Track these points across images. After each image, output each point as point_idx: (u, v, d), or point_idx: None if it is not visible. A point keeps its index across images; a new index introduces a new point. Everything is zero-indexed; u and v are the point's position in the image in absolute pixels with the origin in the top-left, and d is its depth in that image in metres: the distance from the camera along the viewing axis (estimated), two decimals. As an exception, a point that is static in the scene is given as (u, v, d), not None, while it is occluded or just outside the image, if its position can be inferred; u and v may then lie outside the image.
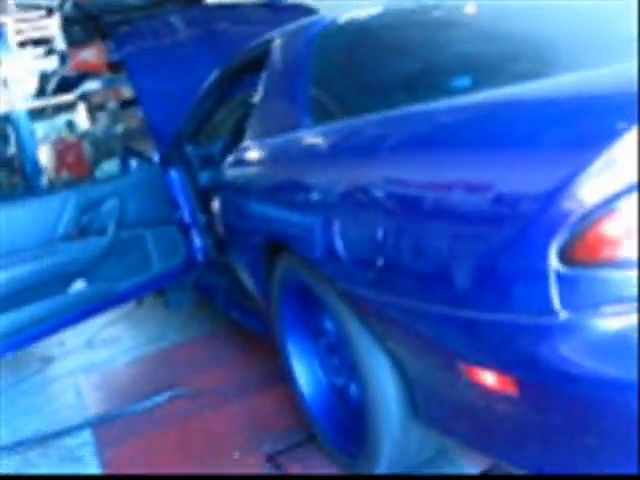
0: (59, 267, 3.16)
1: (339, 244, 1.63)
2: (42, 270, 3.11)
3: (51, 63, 8.39)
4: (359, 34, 2.23)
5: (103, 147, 8.89)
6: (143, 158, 3.64)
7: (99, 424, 2.85)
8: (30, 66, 9.19)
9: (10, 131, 13.55)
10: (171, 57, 4.42)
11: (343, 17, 2.30)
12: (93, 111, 17.57)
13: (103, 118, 16.53)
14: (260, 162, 2.24)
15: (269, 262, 2.19)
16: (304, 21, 2.51)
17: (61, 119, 14.96)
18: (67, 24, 8.16)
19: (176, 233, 3.65)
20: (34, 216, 3.15)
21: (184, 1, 8.03)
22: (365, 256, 1.54)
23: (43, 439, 2.81)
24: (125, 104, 18.44)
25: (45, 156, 13.45)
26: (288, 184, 1.96)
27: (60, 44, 8.56)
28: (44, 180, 8.51)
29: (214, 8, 5.60)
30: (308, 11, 5.03)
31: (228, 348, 3.34)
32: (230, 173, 2.50)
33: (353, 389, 2.00)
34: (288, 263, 2.05)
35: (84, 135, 12.16)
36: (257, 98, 2.44)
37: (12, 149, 13.13)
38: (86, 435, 2.79)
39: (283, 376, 2.37)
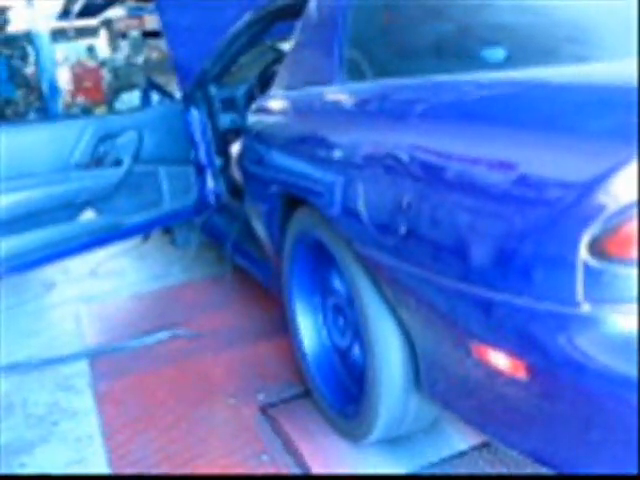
0: (70, 195, 3.14)
1: (360, 206, 1.60)
2: (53, 196, 3.09)
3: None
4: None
5: (123, 77, 8.77)
6: (165, 93, 3.59)
7: (96, 355, 2.86)
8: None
9: (30, 50, 13.44)
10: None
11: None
12: (114, 39, 17.42)
13: (124, 46, 16.39)
14: (286, 113, 2.19)
15: (285, 214, 2.17)
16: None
17: (82, 43, 14.80)
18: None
19: (191, 173, 3.62)
20: (51, 141, 3.12)
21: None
22: (386, 221, 1.51)
23: (39, 364, 2.83)
24: (147, 34, 18.27)
25: (63, 79, 13.36)
26: (313, 139, 1.91)
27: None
28: (60, 102, 8.41)
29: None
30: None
31: (232, 293, 3.33)
32: (254, 119, 2.45)
33: (356, 351, 2.00)
34: (304, 217, 2.02)
35: (104, 62, 12.03)
36: (290, 47, 2.38)
37: (31, 68, 13.04)
38: (82, 365, 2.80)
39: (284, 328, 2.38)
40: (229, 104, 3.62)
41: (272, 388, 2.44)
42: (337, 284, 2.03)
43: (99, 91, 13.20)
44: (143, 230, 3.54)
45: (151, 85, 3.61)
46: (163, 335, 2.93)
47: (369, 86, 1.86)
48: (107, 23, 16.66)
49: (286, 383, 2.45)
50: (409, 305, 1.57)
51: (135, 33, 17.20)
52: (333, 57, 2.03)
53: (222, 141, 3.64)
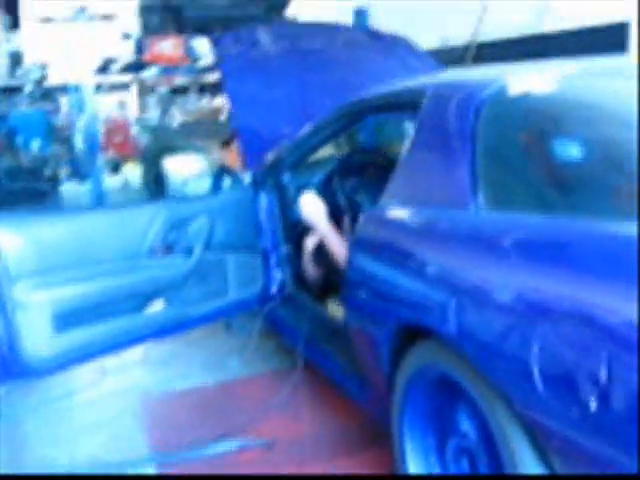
0: (140, 284, 3.00)
1: (531, 366, 1.43)
2: (123, 285, 2.94)
3: (124, 47, 8.25)
4: (540, 108, 2.04)
5: (162, 138, 8.72)
6: (236, 178, 3.47)
7: (163, 463, 2.66)
8: (98, 42, 9.10)
9: (63, 102, 13.51)
10: (263, 67, 4.32)
11: (517, 83, 2.09)
12: (143, 94, 17.59)
13: (153, 101, 16.53)
14: (412, 233, 2.03)
15: (400, 344, 2.00)
16: (463, 77, 2.33)
17: (112, 98, 14.90)
18: (146, 11, 8.06)
19: (258, 261, 3.47)
20: (122, 227, 2.99)
21: (266, 4, 7.91)
22: (568, 391, 1.35)
23: (104, 469, 2.63)
24: (176, 91, 18.46)
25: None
26: (453, 271, 1.75)
27: (134, 28, 8.46)
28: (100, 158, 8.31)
29: (309, 25, 5.46)
30: (410, 47, 4.90)
31: (299, 393, 3.12)
32: (367, 232, 2.28)
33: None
34: (428, 352, 1.86)
35: (138, 122, 12.00)
36: (405, 150, 2.25)
37: (62, 120, 13.08)
38: (150, 473, 2.60)
39: (362, 441, 2.16)
40: (302, 192, 3.49)
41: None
42: (465, 425, 1.85)
43: (128, 145, 13.23)
44: (209, 321, 3.37)
45: (223, 170, 3.49)
46: (233, 444, 2.73)
47: (516, 219, 1.71)
48: (137, 80, 16.81)
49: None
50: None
51: (163, 89, 17.39)
52: (464, 177, 1.90)
53: (293, 230, 3.50)
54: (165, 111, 15.61)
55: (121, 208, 3.13)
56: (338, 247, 2.88)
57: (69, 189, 9.54)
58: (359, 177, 3.48)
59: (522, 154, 1.95)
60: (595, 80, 2.17)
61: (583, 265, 1.43)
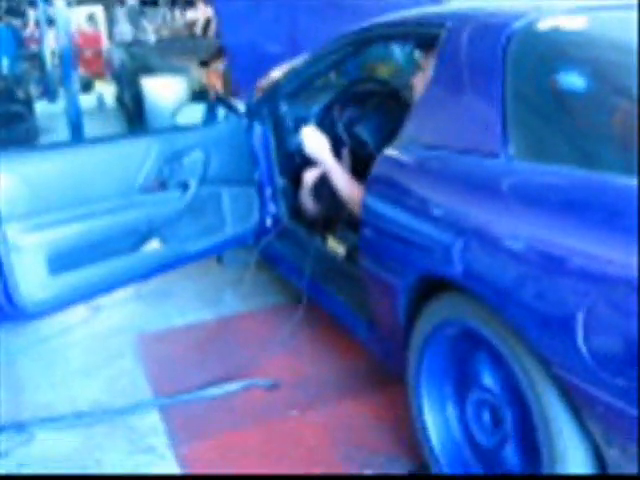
0: (135, 222, 2.89)
1: (576, 334, 1.37)
2: (117, 224, 2.83)
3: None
4: (577, 48, 1.91)
5: (139, 58, 8.36)
6: (232, 108, 3.30)
7: (167, 406, 2.62)
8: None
9: (31, 16, 12.91)
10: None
11: (546, 19, 1.96)
12: (111, 6, 16.88)
13: (122, 14, 15.88)
14: (438, 180, 1.92)
15: (417, 295, 1.94)
16: (487, 9, 2.18)
17: (81, 11, 14.26)
18: None
19: (253, 194, 3.37)
20: (114, 162, 2.85)
21: None
22: (621, 359, 1.29)
23: (106, 415, 2.58)
24: (145, 3, 17.70)
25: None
26: (488, 223, 1.66)
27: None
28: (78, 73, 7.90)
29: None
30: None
31: (300, 331, 3.06)
32: (386, 173, 2.15)
33: (508, 452, 1.78)
34: (454, 306, 1.80)
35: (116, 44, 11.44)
36: (425, 91, 2.12)
37: (31, 36, 12.52)
38: (154, 418, 2.57)
39: (369, 383, 2.28)
40: (300, 123, 3.35)
41: (378, 462, 2.23)
42: (487, 380, 1.81)
43: (100, 62, 12.75)
44: (205, 256, 3.28)
45: (218, 100, 3.33)
46: (238, 385, 2.70)
47: (553, 173, 1.62)
48: (106, -10, 16.09)
49: (392, 457, 2.25)
50: (623, 446, 1.36)
51: (132, 0, 16.68)
52: (491, 122, 1.79)
53: (290, 162, 3.38)
54: (134, 22, 15.05)
55: (113, 142, 2.99)
56: (344, 183, 2.78)
57: (41, 109, 9.20)
58: (358, 107, 3.33)
59: (559, 97, 1.84)
60: (625, 14, 2.04)
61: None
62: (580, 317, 1.36)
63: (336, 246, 3.11)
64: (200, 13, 14.49)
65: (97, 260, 2.76)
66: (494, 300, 1.60)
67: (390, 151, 2.14)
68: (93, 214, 2.73)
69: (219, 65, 6.68)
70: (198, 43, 9.09)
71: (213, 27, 12.49)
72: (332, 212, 3.11)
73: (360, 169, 2.99)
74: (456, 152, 1.89)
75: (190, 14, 14.93)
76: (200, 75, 7.23)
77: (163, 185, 2.98)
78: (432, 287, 1.88)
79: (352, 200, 2.68)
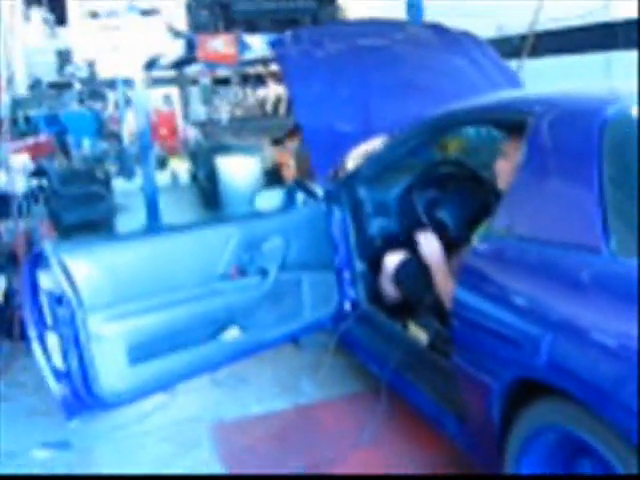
0: (215, 310, 2.87)
1: None
2: (197, 313, 2.82)
3: (171, 43, 8.10)
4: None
5: (211, 135, 8.58)
6: (310, 192, 3.30)
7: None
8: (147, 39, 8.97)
9: (111, 98, 13.50)
10: (325, 66, 4.18)
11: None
12: (185, 85, 17.53)
13: (195, 92, 16.48)
14: (541, 277, 1.81)
15: (514, 397, 1.82)
16: (577, 95, 2.12)
17: (158, 91, 14.86)
18: (194, 6, 7.92)
19: (331, 279, 3.32)
20: (195, 250, 2.86)
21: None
22: None
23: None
24: (218, 82, 18.35)
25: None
26: (599, 328, 1.56)
27: (181, 24, 8.33)
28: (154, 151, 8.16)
29: (369, 23, 5.25)
30: (475, 42, 4.69)
31: (383, 421, 2.94)
32: (480, 267, 2.07)
33: None
34: (555, 410, 1.67)
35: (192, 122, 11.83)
36: (516, 179, 2.05)
37: (110, 117, 13.07)
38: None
39: None
40: (381, 208, 3.32)
41: None
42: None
43: (175, 139, 13.18)
44: (282, 343, 3.23)
45: (297, 184, 3.33)
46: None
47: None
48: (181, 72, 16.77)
49: None
50: None
51: (205, 80, 17.31)
52: (594, 215, 1.69)
53: (368, 247, 3.33)
54: (207, 101, 15.55)
55: (193, 230, 2.99)
56: (444, 283, 2.71)
57: (119, 187, 9.48)
58: (437, 190, 3.28)
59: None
60: None
61: None
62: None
63: (418, 333, 3.02)
64: (271, 91, 14.93)
65: (176, 349, 2.74)
66: (611, 413, 1.48)
67: (482, 242, 2.06)
68: (173, 303, 2.72)
69: (292, 144, 6.79)
70: (270, 122, 9.29)
71: (284, 105, 12.83)
72: (414, 298, 3.03)
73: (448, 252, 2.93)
74: (554, 246, 1.79)
75: (261, 92, 15.39)
76: (272, 154, 7.36)
77: (242, 272, 2.96)
78: (530, 390, 1.77)
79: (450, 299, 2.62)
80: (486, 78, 4.33)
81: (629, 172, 1.77)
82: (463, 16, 7.13)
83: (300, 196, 3.30)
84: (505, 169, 2.46)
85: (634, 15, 6.45)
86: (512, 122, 2.25)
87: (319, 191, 3.33)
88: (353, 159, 3.87)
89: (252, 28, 7.65)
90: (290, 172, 6.68)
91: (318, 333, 3.59)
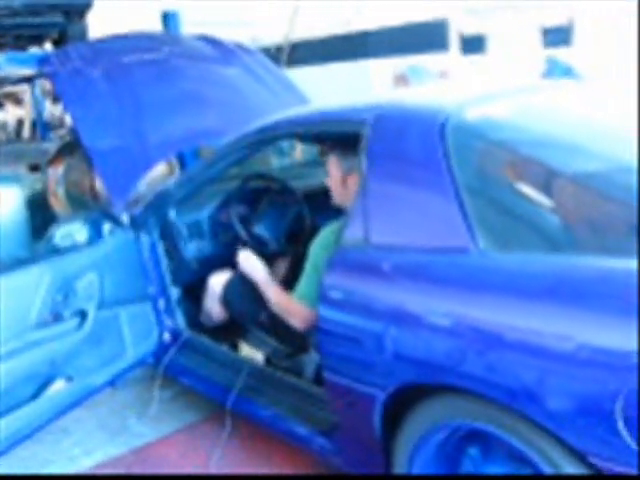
0: (36, 364, 2.60)
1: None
2: (15, 371, 2.53)
3: None
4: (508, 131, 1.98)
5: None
6: (115, 221, 3.08)
7: None
8: None
9: None
10: (102, 84, 3.95)
11: (472, 110, 2.01)
12: None
13: None
14: (412, 282, 1.86)
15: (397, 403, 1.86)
16: (406, 102, 2.22)
17: None
18: None
19: (149, 310, 3.15)
20: (3, 297, 2.54)
21: (64, 14, 7.21)
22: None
23: None
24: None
25: None
26: (479, 320, 1.64)
27: None
28: None
29: (141, 36, 5.05)
30: (249, 53, 4.74)
31: (232, 447, 2.85)
32: (342, 280, 2.06)
33: None
34: (450, 408, 1.74)
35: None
36: (361, 189, 2.07)
37: None
38: None
39: None
40: (194, 229, 3.20)
41: None
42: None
43: None
44: (110, 385, 3.00)
45: (101, 214, 3.10)
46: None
47: (531, 262, 1.64)
48: None
49: None
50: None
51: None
52: (455, 218, 1.78)
53: (186, 271, 3.20)
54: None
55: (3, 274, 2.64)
56: (278, 297, 2.69)
57: None
58: (251, 206, 3.26)
59: (506, 182, 1.88)
60: (541, 100, 2.16)
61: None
62: (619, 404, 1.36)
63: (252, 352, 2.97)
64: (9, 115, 13.78)
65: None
66: (511, 401, 1.57)
67: (340, 255, 2.06)
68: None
69: (56, 171, 6.32)
70: (20, 147, 8.56)
71: (27, 128, 11.91)
72: (246, 317, 2.97)
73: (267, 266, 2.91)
74: (417, 251, 1.85)
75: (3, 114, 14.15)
76: (33, 182, 6.78)
77: (58, 316, 2.70)
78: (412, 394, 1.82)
79: (288, 312, 2.59)
80: (266, 87, 4.36)
81: (481, 172, 1.89)
82: (219, 25, 7.15)
83: (107, 226, 3.07)
84: (331, 184, 2.52)
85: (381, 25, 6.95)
86: (341, 133, 2.30)
87: (124, 218, 3.13)
88: (149, 182, 3.72)
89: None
90: (58, 202, 6.23)
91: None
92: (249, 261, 2.90)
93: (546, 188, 1.88)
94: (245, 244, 3.08)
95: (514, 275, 1.64)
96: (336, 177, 2.50)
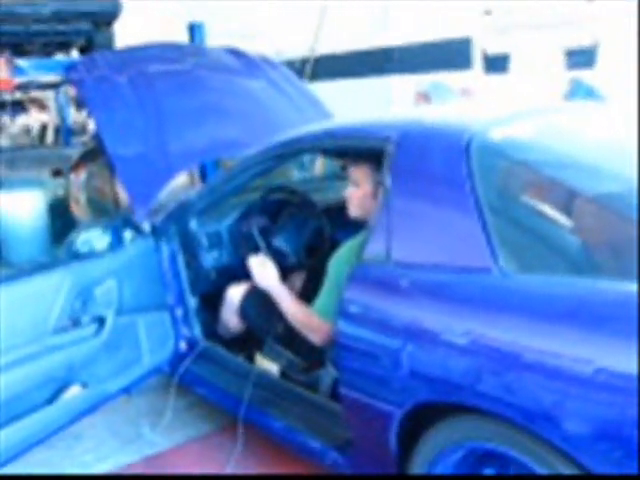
0: (53, 369, 2.62)
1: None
2: (32, 375, 2.55)
3: None
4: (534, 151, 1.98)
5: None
6: (136, 228, 3.11)
7: None
8: None
9: None
10: (128, 92, 3.98)
11: (497, 130, 2.02)
12: None
13: None
14: (432, 301, 1.86)
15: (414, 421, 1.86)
16: (432, 120, 2.23)
17: None
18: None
19: (167, 319, 3.17)
20: (22, 302, 2.57)
21: (91, 22, 7.30)
22: None
23: None
24: None
25: None
26: (502, 342, 1.63)
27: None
28: None
29: (166, 46, 5.10)
30: (273, 65, 4.76)
31: (245, 459, 2.84)
32: (363, 296, 2.06)
33: None
34: (470, 429, 1.73)
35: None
36: (385, 205, 2.07)
37: None
38: None
39: None
40: (214, 240, 3.22)
41: None
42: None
43: None
44: (125, 393, 3.01)
45: (124, 221, 3.12)
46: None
47: (553, 285, 1.63)
48: None
49: None
50: None
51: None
52: (479, 238, 1.78)
53: (205, 281, 3.22)
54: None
55: (18, 280, 2.66)
56: (294, 309, 2.68)
57: None
58: (272, 219, 3.27)
59: (529, 203, 1.88)
60: (565, 121, 2.16)
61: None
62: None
63: (268, 365, 2.96)
64: (32, 120, 13.96)
65: (12, 420, 2.45)
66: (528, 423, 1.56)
67: (361, 270, 2.06)
68: (3, 368, 2.43)
69: (79, 177, 6.37)
70: (44, 151, 8.67)
71: (51, 133, 12.04)
72: (264, 329, 2.98)
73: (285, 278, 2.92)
74: (442, 270, 1.85)
75: (22, 120, 14.35)
76: (56, 187, 6.85)
77: (76, 321, 2.73)
78: (431, 413, 1.81)
79: (308, 327, 2.58)
80: (290, 101, 4.38)
81: (504, 192, 1.89)
82: (244, 38, 7.22)
83: (128, 234, 3.09)
84: (356, 196, 2.50)
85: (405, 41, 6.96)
86: (365, 149, 2.30)
87: (146, 226, 3.16)
88: (169, 192, 3.73)
89: (20, 52, 7.06)
90: (80, 208, 6.28)
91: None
92: (261, 266, 2.88)
93: (568, 209, 1.87)
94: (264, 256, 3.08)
95: (535, 297, 1.64)
96: (366, 190, 2.46)
